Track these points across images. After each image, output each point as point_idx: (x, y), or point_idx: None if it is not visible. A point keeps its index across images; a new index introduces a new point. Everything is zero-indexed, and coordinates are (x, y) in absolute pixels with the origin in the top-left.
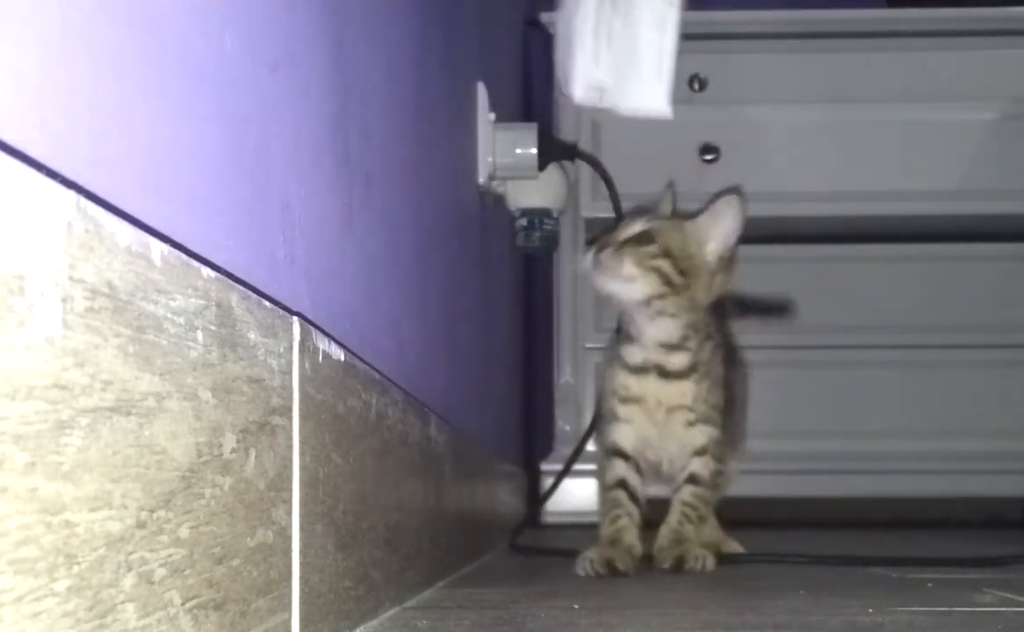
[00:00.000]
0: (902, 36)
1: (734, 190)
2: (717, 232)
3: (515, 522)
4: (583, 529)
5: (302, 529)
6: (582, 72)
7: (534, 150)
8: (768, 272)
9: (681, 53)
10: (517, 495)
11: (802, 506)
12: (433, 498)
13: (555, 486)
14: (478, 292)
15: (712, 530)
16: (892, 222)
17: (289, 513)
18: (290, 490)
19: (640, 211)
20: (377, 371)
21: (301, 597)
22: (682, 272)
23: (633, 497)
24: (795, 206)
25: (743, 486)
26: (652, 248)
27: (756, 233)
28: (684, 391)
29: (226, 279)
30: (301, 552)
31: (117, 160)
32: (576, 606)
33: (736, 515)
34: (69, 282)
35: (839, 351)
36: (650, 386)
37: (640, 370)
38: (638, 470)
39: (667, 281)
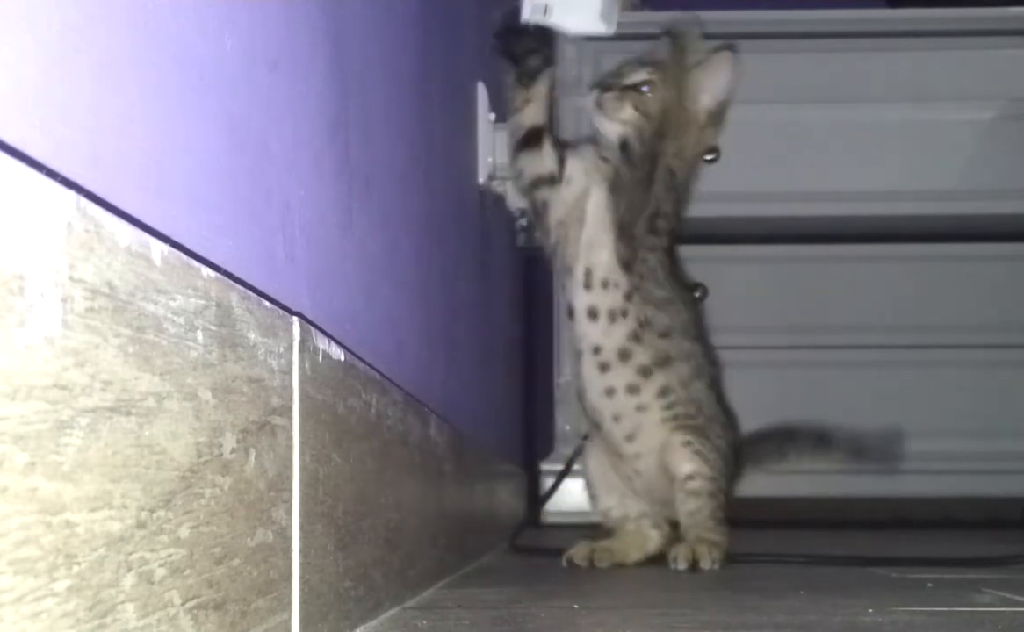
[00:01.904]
0: (902, 36)
1: (728, 46)
2: (710, 86)
3: (515, 522)
4: (583, 529)
5: (302, 529)
6: None
7: None
8: (768, 272)
9: None
10: (517, 495)
11: (802, 506)
12: (433, 498)
13: (555, 486)
14: (478, 292)
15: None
16: (892, 222)
17: (289, 513)
18: (290, 490)
19: (643, 60)
20: (377, 371)
21: (301, 597)
22: (676, 123)
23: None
24: (795, 206)
25: (743, 486)
26: (651, 94)
27: (757, 233)
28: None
29: (226, 279)
30: (301, 552)
31: (117, 160)
32: (576, 606)
33: (736, 515)
34: (69, 282)
35: (839, 351)
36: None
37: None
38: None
39: (659, 130)
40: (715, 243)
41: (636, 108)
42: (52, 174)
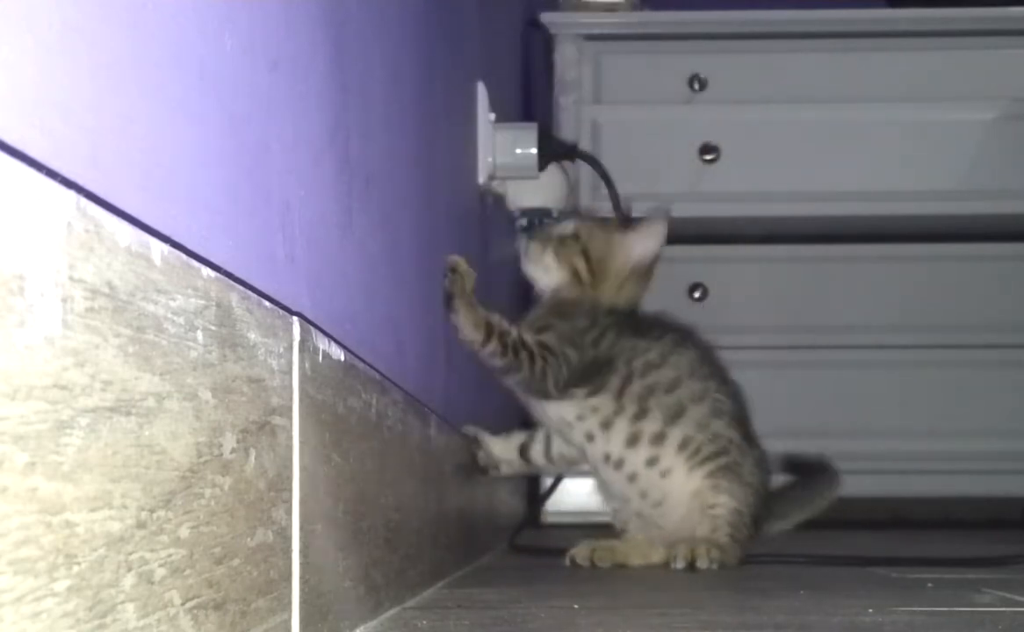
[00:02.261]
0: (902, 36)
1: (661, 214)
2: (638, 249)
3: (515, 522)
4: (583, 529)
5: (302, 529)
6: None
7: (534, 150)
8: (768, 272)
9: (681, 53)
10: (517, 495)
11: None
12: (433, 498)
13: (555, 486)
14: (478, 292)
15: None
16: (892, 222)
17: (289, 513)
18: (290, 490)
19: (577, 212)
20: (377, 371)
21: (301, 597)
22: (594, 273)
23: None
24: (795, 206)
25: None
26: (573, 246)
27: (757, 233)
28: None
29: (226, 279)
30: (301, 552)
31: (117, 160)
32: (576, 606)
33: None
34: (69, 282)
35: (839, 351)
36: None
37: None
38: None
39: (577, 278)
40: (715, 243)
41: (557, 257)
42: (52, 174)
